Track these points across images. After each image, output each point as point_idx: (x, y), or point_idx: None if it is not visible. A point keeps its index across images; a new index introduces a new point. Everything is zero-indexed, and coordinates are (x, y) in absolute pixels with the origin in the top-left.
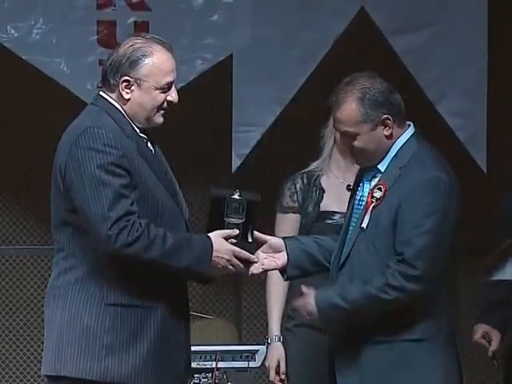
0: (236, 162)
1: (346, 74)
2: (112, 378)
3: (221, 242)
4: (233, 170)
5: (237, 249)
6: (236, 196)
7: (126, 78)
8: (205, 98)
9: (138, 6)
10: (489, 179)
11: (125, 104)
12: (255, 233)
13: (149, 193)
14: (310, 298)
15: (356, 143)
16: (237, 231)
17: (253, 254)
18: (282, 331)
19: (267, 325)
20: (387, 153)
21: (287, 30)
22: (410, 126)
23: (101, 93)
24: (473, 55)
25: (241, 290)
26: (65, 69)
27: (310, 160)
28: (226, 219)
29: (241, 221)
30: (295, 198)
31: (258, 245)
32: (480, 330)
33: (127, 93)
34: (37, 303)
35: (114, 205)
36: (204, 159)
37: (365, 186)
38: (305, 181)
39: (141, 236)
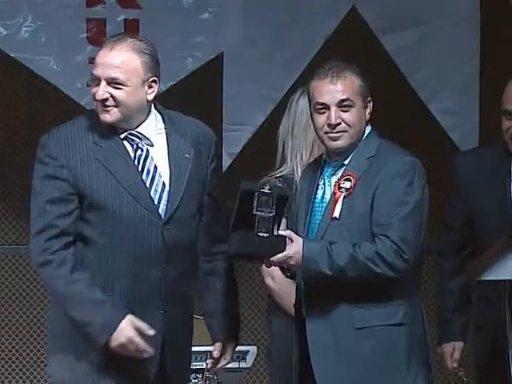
0: (227, 162)
1: None
2: (62, 382)
3: (125, 326)
4: (223, 170)
5: (138, 341)
6: (266, 190)
7: None
8: (195, 97)
9: (128, 4)
10: None
11: None
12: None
13: (100, 201)
14: (297, 253)
15: (347, 116)
16: (152, 332)
17: (282, 248)
18: None
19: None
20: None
21: (278, 29)
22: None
23: None
24: (465, 54)
25: None
26: (54, 67)
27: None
28: (256, 212)
29: (270, 214)
30: None
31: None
32: (447, 354)
33: None
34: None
35: (37, 219)
36: None
37: (325, 183)
38: (285, 184)
39: (51, 262)
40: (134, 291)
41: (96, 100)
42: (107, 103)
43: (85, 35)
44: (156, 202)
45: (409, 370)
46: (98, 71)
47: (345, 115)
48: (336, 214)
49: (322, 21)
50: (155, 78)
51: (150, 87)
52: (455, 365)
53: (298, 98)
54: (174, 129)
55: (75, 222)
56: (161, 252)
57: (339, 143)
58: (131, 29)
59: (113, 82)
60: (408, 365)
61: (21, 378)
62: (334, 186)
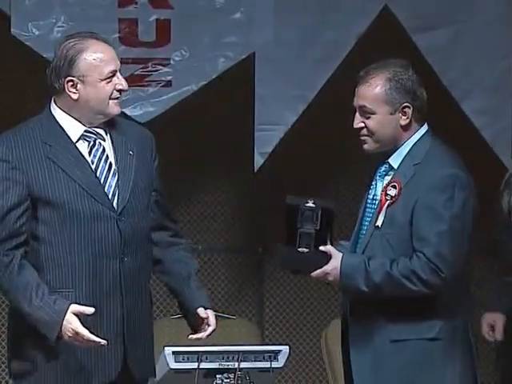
0: (259, 162)
1: None
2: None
3: (69, 318)
4: (255, 170)
5: (81, 331)
6: (310, 204)
7: (69, 78)
8: (226, 97)
9: (159, 4)
10: None
11: (74, 104)
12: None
13: (55, 199)
14: (335, 269)
15: (369, 122)
16: (92, 309)
17: (322, 263)
18: None
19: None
20: (398, 148)
21: (309, 28)
22: (424, 124)
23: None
24: (497, 53)
25: (263, 290)
26: None
27: (331, 159)
28: (298, 228)
29: (314, 230)
30: None
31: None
32: (486, 321)
33: (74, 93)
34: None
35: None
36: (226, 158)
37: (377, 184)
38: None
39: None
40: (95, 286)
41: (121, 91)
42: (122, 93)
43: (117, 35)
44: (110, 196)
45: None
46: (115, 65)
47: (366, 121)
48: (379, 222)
49: (354, 20)
50: None
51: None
52: (499, 337)
53: None
54: (115, 128)
55: (27, 223)
56: (118, 244)
57: (366, 147)
58: (163, 29)
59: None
60: (443, 379)
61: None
62: (382, 192)
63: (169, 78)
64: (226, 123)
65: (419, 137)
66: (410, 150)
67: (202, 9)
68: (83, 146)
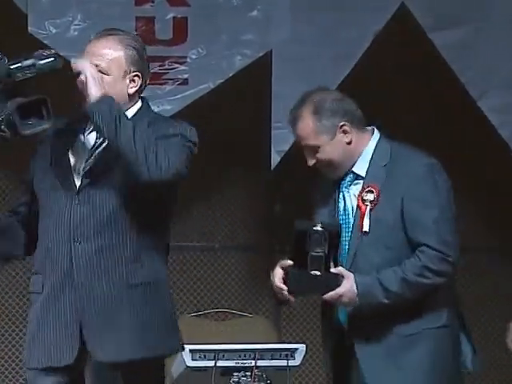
0: (275, 160)
1: (387, 70)
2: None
3: None
4: (272, 167)
5: None
6: (318, 228)
7: None
8: (243, 95)
9: (176, 2)
10: None
11: None
12: None
13: (36, 183)
14: (350, 290)
15: (319, 155)
16: None
17: (334, 285)
18: None
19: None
20: (359, 158)
21: (326, 26)
22: (373, 129)
23: None
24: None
25: None
26: None
27: None
28: (309, 251)
29: (323, 252)
30: None
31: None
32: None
33: None
34: None
35: None
36: (240, 157)
37: (345, 195)
38: None
39: None
40: (52, 271)
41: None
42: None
43: (134, 33)
44: (78, 181)
45: (456, 373)
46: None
47: (318, 156)
48: (365, 228)
49: (371, 18)
50: (138, 74)
51: (131, 81)
52: None
53: None
54: (140, 122)
55: (25, 204)
56: (69, 228)
57: (332, 176)
58: (179, 27)
59: None
60: (453, 366)
61: (3, 373)
62: (358, 199)
63: (185, 76)
64: (241, 121)
65: (376, 141)
66: (372, 155)
67: (219, 7)
68: (92, 138)
